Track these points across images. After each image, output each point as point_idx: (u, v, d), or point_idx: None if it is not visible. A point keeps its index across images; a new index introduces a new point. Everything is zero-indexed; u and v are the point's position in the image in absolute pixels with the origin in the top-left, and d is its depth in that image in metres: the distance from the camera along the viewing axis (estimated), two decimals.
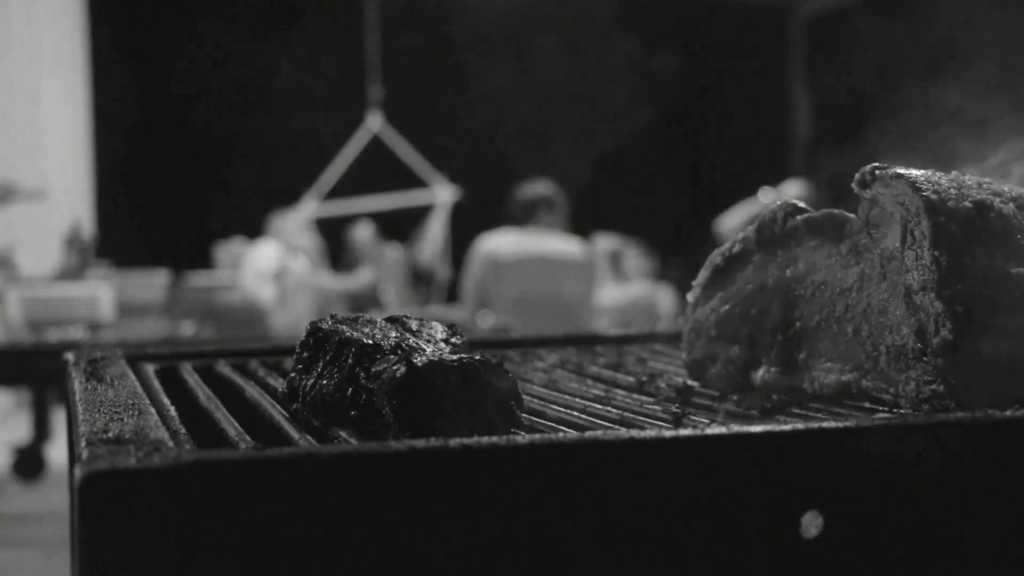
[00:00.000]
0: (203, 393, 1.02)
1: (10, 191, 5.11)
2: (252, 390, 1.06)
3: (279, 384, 1.01)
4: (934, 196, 0.91)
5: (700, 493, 0.72)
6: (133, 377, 1.04)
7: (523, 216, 5.06)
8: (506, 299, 4.82)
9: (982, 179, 0.96)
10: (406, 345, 0.87)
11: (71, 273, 4.92)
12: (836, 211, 1.03)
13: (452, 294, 7.55)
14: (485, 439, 0.69)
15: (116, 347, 1.32)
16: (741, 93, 10.72)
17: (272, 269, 6.12)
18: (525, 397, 0.96)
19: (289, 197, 7.85)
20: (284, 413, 0.94)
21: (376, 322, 0.95)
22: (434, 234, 8.24)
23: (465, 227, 8.46)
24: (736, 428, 0.74)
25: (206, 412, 0.94)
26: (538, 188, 5.17)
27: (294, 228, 6.86)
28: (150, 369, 1.16)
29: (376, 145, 8.00)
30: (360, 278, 7.58)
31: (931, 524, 0.77)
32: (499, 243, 4.97)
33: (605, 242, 7.30)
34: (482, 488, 0.68)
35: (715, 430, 0.73)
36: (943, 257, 0.88)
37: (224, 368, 1.20)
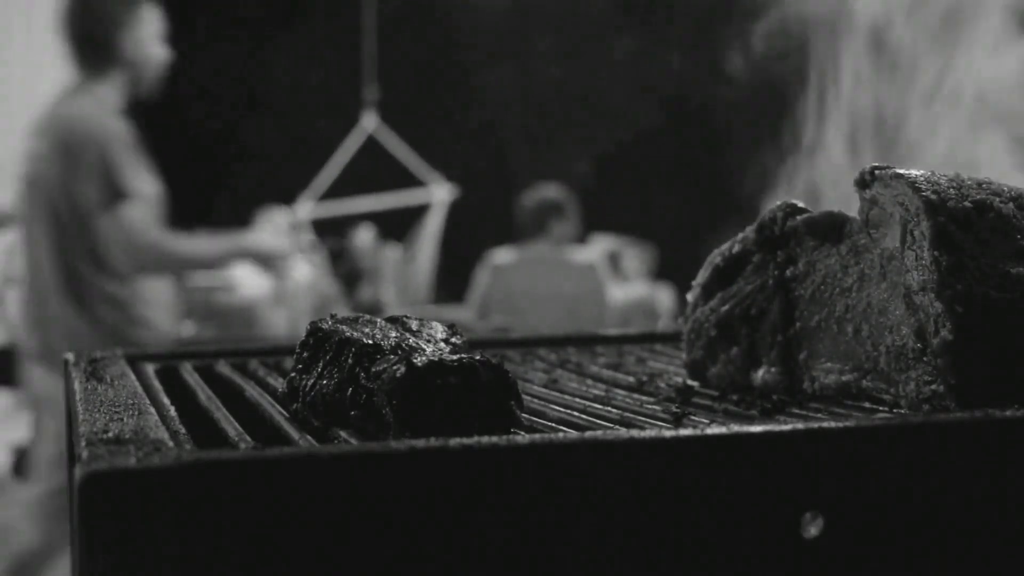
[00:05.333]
0: (203, 393, 1.02)
1: (7, 218, 5.16)
2: (252, 390, 1.06)
3: (279, 384, 1.01)
4: (934, 196, 0.91)
5: (700, 493, 0.72)
6: (133, 377, 1.04)
7: (532, 226, 4.78)
8: (509, 302, 4.74)
9: (982, 179, 0.96)
10: (406, 345, 0.87)
11: None
12: (836, 211, 1.03)
13: (449, 295, 7.54)
14: (485, 439, 0.69)
15: (116, 347, 1.32)
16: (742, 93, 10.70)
17: (248, 272, 6.06)
18: (525, 397, 0.96)
19: (290, 197, 7.84)
20: (284, 413, 0.94)
21: (376, 322, 0.94)
22: (431, 233, 8.22)
23: (464, 227, 8.46)
24: (736, 428, 0.74)
25: (206, 412, 0.94)
26: (546, 193, 4.85)
27: (278, 228, 6.82)
28: (150, 369, 1.15)
29: (373, 145, 7.97)
30: (363, 293, 7.56)
31: (931, 524, 0.77)
32: (505, 259, 4.81)
33: (604, 242, 7.29)
34: (482, 488, 0.68)
35: (715, 430, 0.73)
36: (943, 257, 0.88)
37: (224, 368, 1.20)
